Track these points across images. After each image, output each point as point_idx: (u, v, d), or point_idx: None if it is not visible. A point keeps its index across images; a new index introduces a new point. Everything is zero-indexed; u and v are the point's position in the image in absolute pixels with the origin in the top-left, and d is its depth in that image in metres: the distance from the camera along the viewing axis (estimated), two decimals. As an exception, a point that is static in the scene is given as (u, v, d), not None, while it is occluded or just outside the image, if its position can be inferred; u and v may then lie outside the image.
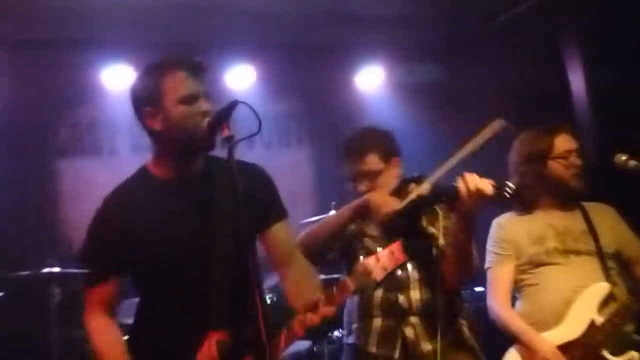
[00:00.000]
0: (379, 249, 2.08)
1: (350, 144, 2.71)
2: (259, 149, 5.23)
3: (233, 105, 1.93)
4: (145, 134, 2.29)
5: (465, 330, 2.69)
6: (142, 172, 2.20)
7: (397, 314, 2.62)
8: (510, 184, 2.36)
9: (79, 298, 3.41)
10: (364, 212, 2.57)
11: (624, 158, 2.69)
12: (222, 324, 2.12)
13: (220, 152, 2.03)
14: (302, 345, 4.03)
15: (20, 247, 4.42)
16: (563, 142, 2.88)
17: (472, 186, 2.32)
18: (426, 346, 2.58)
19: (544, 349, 2.72)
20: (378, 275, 1.98)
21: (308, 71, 5.20)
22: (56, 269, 4.17)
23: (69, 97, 4.97)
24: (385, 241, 2.40)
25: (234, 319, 2.11)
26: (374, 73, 5.52)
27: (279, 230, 2.25)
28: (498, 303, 2.93)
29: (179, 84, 2.04)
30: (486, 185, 2.31)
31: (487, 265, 3.01)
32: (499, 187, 2.34)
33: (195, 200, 2.17)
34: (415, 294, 2.62)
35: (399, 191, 2.55)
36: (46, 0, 4.22)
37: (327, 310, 1.98)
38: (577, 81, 4.45)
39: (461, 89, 5.51)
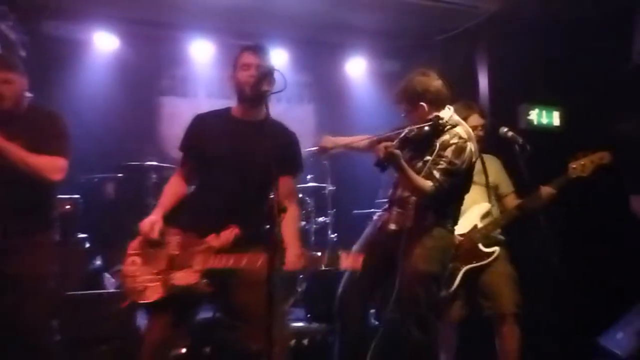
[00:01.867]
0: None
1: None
2: (283, 104, 6.15)
3: (270, 71, 2.57)
4: (216, 85, 3.92)
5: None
6: (226, 109, 2.86)
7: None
8: None
9: (167, 181, 4.40)
10: None
11: (505, 130, 3.52)
12: (241, 222, 2.60)
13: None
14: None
15: (133, 149, 5.54)
16: (474, 119, 3.50)
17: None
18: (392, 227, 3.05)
19: None
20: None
21: (318, 58, 6.41)
22: (154, 163, 5.32)
23: (169, 59, 6.21)
24: None
25: (250, 221, 2.57)
26: (359, 63, 6.56)
27: (288, 180, 2.74)
28: None
29: (243, 58, 2.72)
30: (380, 148, 2.76)
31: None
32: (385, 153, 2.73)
33: (249, 135, 2.68)
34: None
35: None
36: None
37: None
38: (482, 82, 5.52)
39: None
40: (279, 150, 2.50)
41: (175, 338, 2.76)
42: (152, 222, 2.63)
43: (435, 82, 3.01)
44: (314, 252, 2.44)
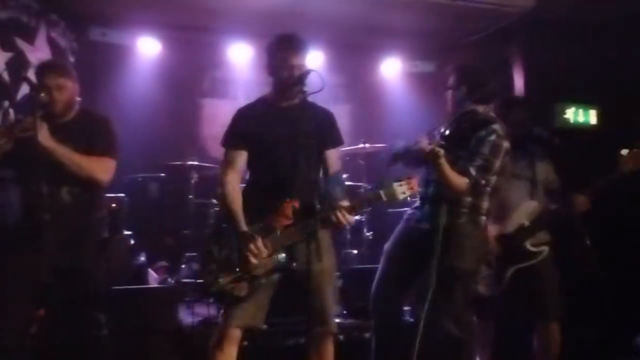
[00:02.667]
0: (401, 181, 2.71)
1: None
2: (319, 104, 6.45)
3: (308, 72, 2.63)
4: (254, 86, 4.08)
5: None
6: (262, 98, 2.93)
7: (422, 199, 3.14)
8: None
9: (208, 180, 4.78)
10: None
11: (540, 129, 3.40)
12: (297, 196, 2.73)
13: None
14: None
15: (175, 149, 5.68)
16: (517, 114, 3.43)
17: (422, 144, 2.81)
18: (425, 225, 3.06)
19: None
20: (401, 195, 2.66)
21: (353, 59, 6.55)
22: (195, 162, 5.33)
23: (209, 62, 6.47)
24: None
25: (303, 195, 2.70)
26: (394, 64, 6.71)
27: (332, 153, 2.87)
28: None
29: (286, 56, 2.73)
30: (424, 144, 2.79)
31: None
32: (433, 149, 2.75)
33: (290, 119, 2.76)
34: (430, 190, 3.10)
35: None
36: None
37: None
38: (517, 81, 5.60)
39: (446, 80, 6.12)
40: (321, 127, 2.70)
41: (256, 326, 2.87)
42: (255, 245, 2.70)
43: (487, 76, 3.09)
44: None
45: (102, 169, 3.01)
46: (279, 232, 2.71)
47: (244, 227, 2.71)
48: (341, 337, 3.72)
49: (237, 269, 2.70)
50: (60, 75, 3.03)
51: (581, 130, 5.18)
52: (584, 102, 5.24)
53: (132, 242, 4.79)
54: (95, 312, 3.14)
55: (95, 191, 3.13)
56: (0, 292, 2.87)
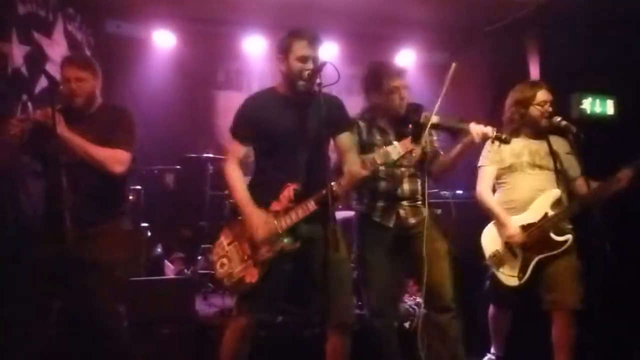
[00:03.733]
0: (394, 142, 2.75)
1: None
2: (334, 94, 6.11)
3: (323, 64, 2.66)
4: (269, 78, 3.99)
5: (434, 211, 3.45)
6: (271, 88, 2.96)
7: (394, 199, 3.20)
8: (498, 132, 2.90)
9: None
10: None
11: (558, 119, 3.36)
12: (299, 180, 2.81)
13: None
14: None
15: (190, 141, 5.84)
16: (542, 95, 3.41)
17: (480, 129, 2.89)
18: (412, 220, 3.23)
19: (511, 226, 3.35)
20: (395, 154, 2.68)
21: (368, 50, 6.18)
22: (210, 154, 5.45)
23: (224, 55, 6.46)
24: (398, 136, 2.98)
25: (307, 177, 2.80)
26: (408, 55, 6.62)
27: (344, 137, 2.93)
28: (484, 190, 3.49)
29: (299, 49, 2.75)
30: (489, 130, 2.89)
31: (480, 164, 3.54)
32: (497, 131, 2.88)
33: (299, 108, 2.83)
34: (405, 186, 3.22)
35: (412, 113, 3.05)
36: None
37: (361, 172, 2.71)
38: (533, 71, 5.51)
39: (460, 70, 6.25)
40: (330, 113, 2.70)
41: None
42: (258, 223, 2.77)
43: None
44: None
45: (115, 160, 3.04)
46: (282, 215, 2.76)
47: (252, 207, 2.77)
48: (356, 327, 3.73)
49: (247, 257, 2.77)
50: (80, 68, 3.07)
51: (598, 120, 5.15)
52: (601, 92, 5.21)
53: (149, 234, 4.84)
54: (115, 303, 3.19)
55: (116, 183, 3.15)
56: (20, 283, 2.94)
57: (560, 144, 3.50)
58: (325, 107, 2.64)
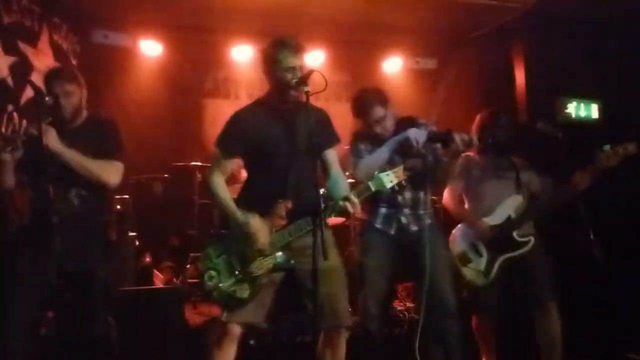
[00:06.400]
0: (388, 171, 2.77)
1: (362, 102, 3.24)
2: (322, 102, 4.96)
3: (310, 72, 2.64)
4: (256, 86, 3.99)
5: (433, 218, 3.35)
6: (258, 100, 2.93)
7: (396, 206, 3.26)
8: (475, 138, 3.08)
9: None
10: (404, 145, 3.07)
11: (543, 123, 3.44)
12: (290, 197, 2.77)
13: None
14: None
15: (178, 149, 5.82)
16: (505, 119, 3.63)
17: (464, 138, 2.97)
18: (413, 227, 3.28)
19: (481, 225, 3.53)
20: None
21: (355, 57, 6.52)
22: (198, 163, 5.43)
23: (212, 63, 6.46)
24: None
25: (298, 195, 2.75)
26: (395, 61, 6.71)
27: (331, 153, 2.93)
28: (453, 201, 3.67)
29: (285, 59, 2.72)
30: (474, 138, 3.03)
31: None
32: (479, 140, 3.12)
33: (287, 120, 2.81)
34: (407, 194, 3.26)
35: (404, 127, 3.12)
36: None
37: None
38: (519, 77, 5.54)
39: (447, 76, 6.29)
40: (317, 127, 2.70)
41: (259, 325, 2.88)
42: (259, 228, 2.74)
43: None
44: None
45: (111, 171, 3.04)
46: (274, 233, 2.74)
47: (242, 216, 2.72)
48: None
49: (237, 272, 2.73)
50: (67, 82, 3.05)
51: (583, 124, 5.21)
52: (586, 96, 5.27)
53: (137, 243, 4.80)
54: (105, 313, 3.15)
55: (103, 194, 3.15)
56: (9, 294, 2.90)
57: (521, 163, 3.71)
58: (314, 121, 2.64)
